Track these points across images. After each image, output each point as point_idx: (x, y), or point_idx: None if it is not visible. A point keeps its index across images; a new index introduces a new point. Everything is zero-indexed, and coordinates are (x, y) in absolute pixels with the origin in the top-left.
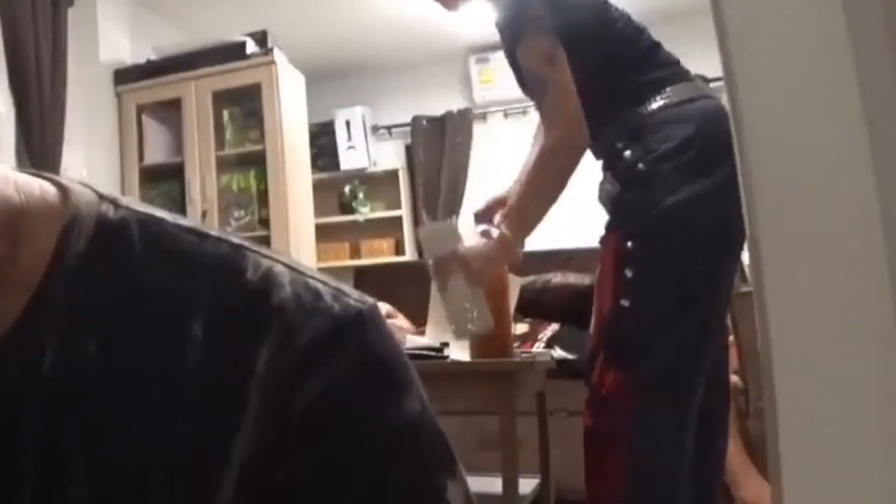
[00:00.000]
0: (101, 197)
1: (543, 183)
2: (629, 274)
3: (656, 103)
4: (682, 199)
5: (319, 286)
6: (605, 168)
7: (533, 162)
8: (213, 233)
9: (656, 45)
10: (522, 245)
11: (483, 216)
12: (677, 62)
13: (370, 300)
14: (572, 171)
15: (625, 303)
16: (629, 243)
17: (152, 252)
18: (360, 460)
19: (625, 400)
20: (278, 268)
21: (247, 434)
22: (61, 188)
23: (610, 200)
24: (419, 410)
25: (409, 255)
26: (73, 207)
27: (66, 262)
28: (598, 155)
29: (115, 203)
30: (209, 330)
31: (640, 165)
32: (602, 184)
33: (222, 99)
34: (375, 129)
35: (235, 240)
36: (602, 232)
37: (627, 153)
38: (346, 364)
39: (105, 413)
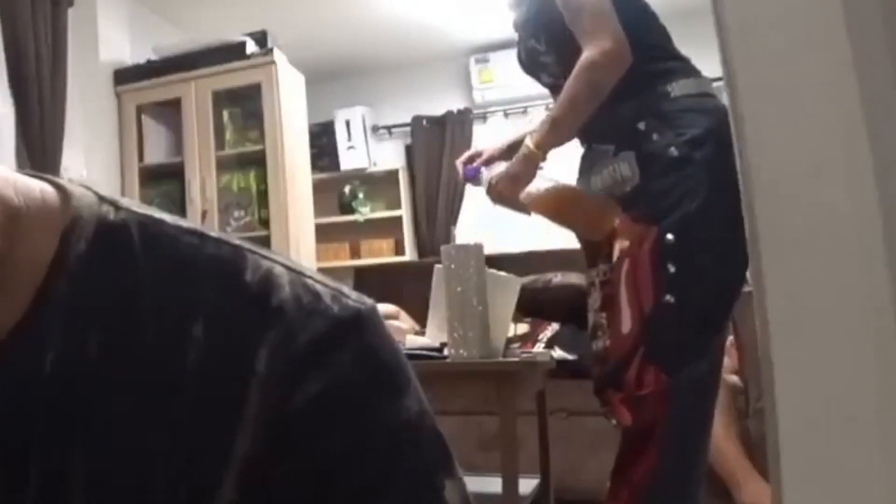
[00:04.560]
0: (102, 199)
1: (580, 94)
2: (672, 269)
3: (679, 90)
4: (717, 191)
5: (319, 287)
6: (621, 149)
7: (573, 74)
8: (213, 234)
9: (669, 38)
10: (544, 158)
11: (467, 162)
12: (687, 59)
13: (369, 301)
14: (609, 89)
15: (670, 299)
16: (670, 236)
17: (153, 253)
18: (360, 459)
19: (666, 400)
20: (278, 269)
21: (247, 433)
22: (62, 190)
23: (631, 187)
24: (417, 410)
25: (409, 255)
26: (74, 209)
27: (67, 263)
28: (602, 135)
29: (115, 205)
30: (209, 330)
31: (673, 150)
32: (609, 165)
33: (222, 99)
34: (375, 129)
35: (235, 241)
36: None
37: (655, 136)
38: (345, 364)
39: (106, 413)
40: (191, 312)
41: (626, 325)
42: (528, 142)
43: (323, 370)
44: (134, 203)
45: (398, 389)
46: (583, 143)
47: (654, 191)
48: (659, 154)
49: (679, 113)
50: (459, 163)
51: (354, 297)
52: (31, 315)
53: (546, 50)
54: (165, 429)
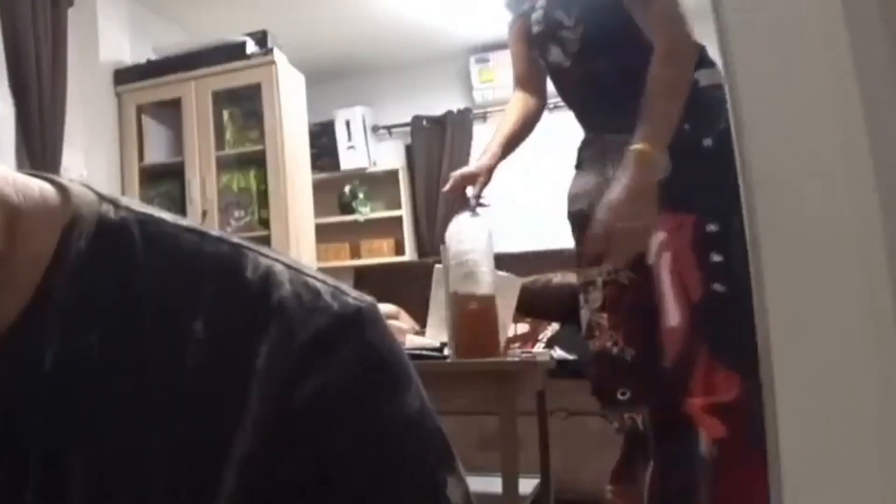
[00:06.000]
0: (102, 198)
1: (675, 82)
2: (717, 258)
3: (706, 79)
4: None
5: (319, 285)
6: None
7: (659, 64)
8: (213, 232)
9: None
10: (664, 158)
11: (453, 192)
12: (704, 47)
13: (369, 299)
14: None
15: (720, 288)
16: (711, 226)
17: (153, 252)
18: (361, 457)
19: (748, 402)
20: (278, 267)
21: (247, 430)
22: (61, 189)
23: (663, 177)
24: (418, 407)
25: (409, 255)
26: (74, 208)
27: (66, 261)
28: (619, 125)
29: (115, 204)
30: (209, 328)
31: (707, 141)
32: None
33: (222, 99)
34: (375, 129)
35: (235, 239)
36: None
37: (686, 126)
38: (345, 361)
39: (106, 411)
40: (191, 310)
41: (674, 317)
42: (640, 146)
43: (323, 367)
44: (134, 202)
45: (399, 386)
46: (589, 132)
47: (690, 181)
48: (692, 144)
49: (710, 103)
50: (450, 193)
51: (355, 295)
52: (30, 313)
53: (573, 25)
54: (165, 427)
